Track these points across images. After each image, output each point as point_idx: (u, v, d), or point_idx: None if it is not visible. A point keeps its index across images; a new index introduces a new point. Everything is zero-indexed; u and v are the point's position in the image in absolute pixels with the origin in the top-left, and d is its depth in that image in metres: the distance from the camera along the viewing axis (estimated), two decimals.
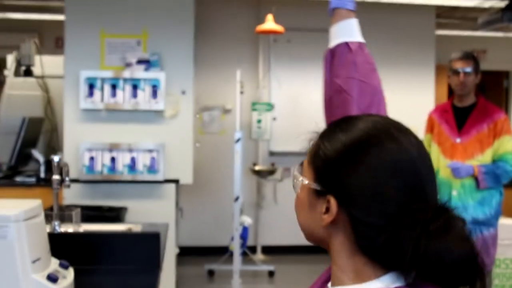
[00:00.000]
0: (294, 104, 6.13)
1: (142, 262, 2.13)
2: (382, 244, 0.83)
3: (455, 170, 3.17)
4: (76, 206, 4.01)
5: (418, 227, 0.80)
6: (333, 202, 0.87)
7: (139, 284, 1.99)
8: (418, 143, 0.89)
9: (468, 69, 3.27)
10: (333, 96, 1.25)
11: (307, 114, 6.11)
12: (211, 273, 5.52)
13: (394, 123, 0.92)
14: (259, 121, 5.82)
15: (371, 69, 1.22)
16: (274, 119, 6.03)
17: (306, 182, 0.93)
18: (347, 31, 1.25)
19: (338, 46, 1.24)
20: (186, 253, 5.86)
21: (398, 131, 0.89)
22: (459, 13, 6.49)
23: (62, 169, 2.38)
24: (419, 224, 0.80)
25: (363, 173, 0.85)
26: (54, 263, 1.86)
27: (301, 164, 0.99)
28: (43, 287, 1.70)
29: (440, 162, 3.31)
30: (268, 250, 6.09)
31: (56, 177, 2.34)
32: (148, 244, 2.14)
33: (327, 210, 0.88)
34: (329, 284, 0.95)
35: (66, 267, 1.87)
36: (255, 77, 6.17)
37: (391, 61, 6.08)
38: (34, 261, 1.72)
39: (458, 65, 3.29)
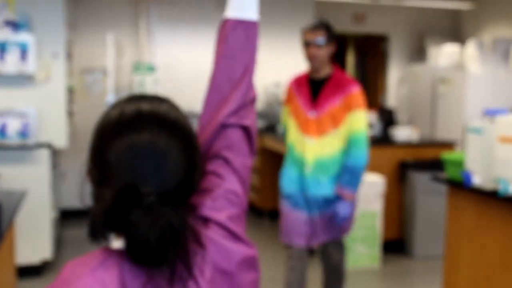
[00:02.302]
0: (178, 67, 6.17)
1: None
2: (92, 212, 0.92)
3: (338, 218, 3.12)
4: None
5: (106, 208, 0.88)
6: (87, 171, 1.01)
7: None
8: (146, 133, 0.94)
9: (319, 40, 3.09)
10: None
11: (191, 76, 6.19)
12: None
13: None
14: (141, 84, 5.82)
15: (245, 47, 1.18)
16: (157, 81, 6.04)
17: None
18: (236, 6, 1.19)
19: (222, 21, 1.23)
20: (71, 216, 5.84)
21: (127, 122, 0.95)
22: None
23: None
24: (107, 206, 0.88)
25: (95, 155, 0.98)
26: None
27: None
28: None
29: (297, 137, 3.18)
30: None
31: None
32: None
33: None
34: None
35: None
36: (136, 39, 6.12)
37: (270, 26, 6.25)
38: None
39: (309, 37, 3.11)
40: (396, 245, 5.00)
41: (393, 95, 7.70)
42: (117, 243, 0.95)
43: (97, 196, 0.95)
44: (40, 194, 4.27)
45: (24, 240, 4.05)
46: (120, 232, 0.91)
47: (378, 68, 8.02)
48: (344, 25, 7.50)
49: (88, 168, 0.99)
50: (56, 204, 4.93)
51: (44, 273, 4.47)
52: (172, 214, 0.88)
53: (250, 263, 1.02)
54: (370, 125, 5.20)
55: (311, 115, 3.14)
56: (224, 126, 1.10)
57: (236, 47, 1.16)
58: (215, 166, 1.07)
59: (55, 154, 4.87)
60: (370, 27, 7.60)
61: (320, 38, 3.10)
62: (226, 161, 1.08)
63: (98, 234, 0.89)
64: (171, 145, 0.93)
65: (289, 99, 3.31)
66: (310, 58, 3.12)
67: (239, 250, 1.00)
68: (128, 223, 0.87)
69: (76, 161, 5.85)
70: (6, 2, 4.18)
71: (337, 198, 3.13)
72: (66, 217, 5.71)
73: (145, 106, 0.96)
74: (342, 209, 3.11)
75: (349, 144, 3.09)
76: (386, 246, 4.84)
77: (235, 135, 1.10)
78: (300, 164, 3.17)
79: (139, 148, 0.92)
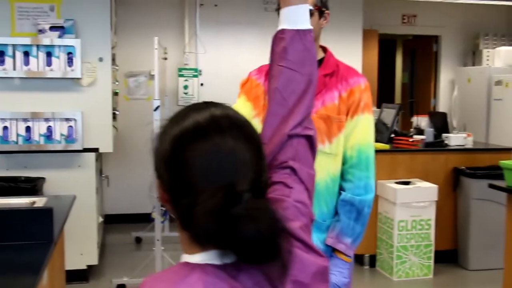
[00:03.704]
0: (222, 70, 6.09)
1: (35, 238, 2.10)
2: (188, 222, 0.92)
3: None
4: None
5: (208, 208, 0.87)
6: (158, 183, 0.99)
7: (28, 260, 1.97)
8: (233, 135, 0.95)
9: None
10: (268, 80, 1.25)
11: (235, 79, 6.10)
12: (138, 240, 5.53)
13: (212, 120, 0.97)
14: (185, 87, 5.77)
15: (306, 58, 1.19)
16: (202, 84, 5.99)
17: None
18: (291, 17, 1.21)
19: (276, 32, 1.23)
20: (114, 221, 5.84)
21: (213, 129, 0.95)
22: None
23: None
24: (209, 206, 0.87)
25: (173, 162, 0.94)
26: None
27: None
28: None
29: None
30: None
31: None
32: (40, 219, 2.11)
33: None
34: None
35: None
36: (181, 42, 6.08)
37: None
38: None
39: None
40: (449, 255, 4.79)
41: (444, 99, 7.44)
42: (197, 257, 0.93)
43: (176, 200, 0.95)
44: (86, 199, 4.26)
45: (71, 245, 4.03)
46: (212, 240, 0.89)
47: (428, 70, 7.76)
48: (394, 26, 7.31)
49: (158, 175, 0.98)
50: (101, 209, 4.92)
51: (90, 278, 4.46)
52: (271, 207, 0.89)
53: (323, 274, 1.02)
54: (423, 130, 5.00)
55: None
56: (290, 137, 1.11)
57: (297, 59, 1.17)
58: (282, 176, 1.08)
59: (99, 158, 4.86)
60: (421, 27, 7.37)
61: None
62: (293, 171, 1.08)
63: (205, 236, 0.89)
64: (248, 146, 0.95)
65: (250, 95, 2.13)
66: None
67: (314, 261, 1.00)
68: (234, 220, 0.86)
69: (119, 165, 5.85)
70: (53, 4, 4.18)
71: (328, 254, 1.98)
72: (107, 221, 5.71)
73: (217, 111, 0.97)
74: (335, 275, 1.96)
75: (351, 165, 2.01)
76: (439, 255, 4.63)
77: (301, 146, 1.12)
78: None
79: (224, 150, 0.93)
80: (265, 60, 5.66)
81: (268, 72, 1.23)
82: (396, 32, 7.71)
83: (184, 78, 5.77)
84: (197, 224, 0.88)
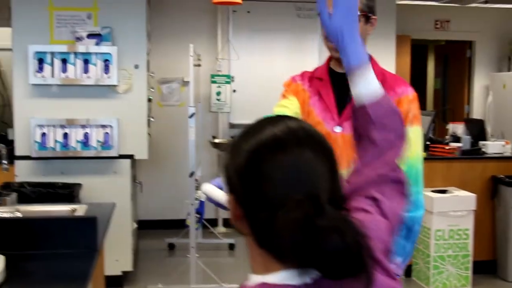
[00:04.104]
0: (254, 76, 6.08)
1: (79, 246, 2.11)
2: (268, 236, 0.89)
3: None
4: (28, 184, 3.97)
5: (292, 219, 0.85)
6: (231, 197, 0.96)
7: (74, 269, 1.97)
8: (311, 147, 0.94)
9: None
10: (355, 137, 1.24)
11: (267, 86, 6.09)
12: (171, 246, 5.54)
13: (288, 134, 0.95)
14: (218, 94, 5.78)
15: (394, 119, 1.18)
16: (234, 91, 5.99)
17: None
18: (364, 90, 1.20)
19: (357, 108, 1.21)
20: (147, 227, 5.85)
21: (289, 136, 0.94)
22: None
23: None
24: (294, 217, 0.85)
25: (250, 176, 0.92)
26: None
27: None
28: None
29: None
30: (229, 223, 6.10)
31: None
32: (85, 228, 2.12)
33: None
34: None
35: None
36: (214, 49, 6.09)
37: None
38: None
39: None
40: (488, 266, 4.69)
41: (478, 105, 7.31)
42: (274, 277, 0.90)
43: (252, 215, 0.92)
44: (122, 205, 4.26)
45: (106, 251, 4.04)
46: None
47: (462, 76, 7.64)
48: (426, 32, 7.22)
49: (231, 189, 0.96)
50: (135, 215, 4.95)
51: (125, 284, 4.47)
52: (354, 220, 0.87)
53: None
54: (459, 138, 4.91)
55: (336, 131, 1.96)
56: (380, 176, 1.10)
57: (387, 125, 1.17)
58: (363, 203, 1.05)
59: (133, 164, 4.89)
60: (454, 32, 7.26)
61: None
62: (375, 201, 1.06)
63: (289, 250, 0.85)
64: (325, 159, 0.94)
65: (298, 97, 2.05)
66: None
67: (389, 284, 0.97)
68: (319, 232, 0.83)
69: (151, 171, 5.86)
70: (91, 12, 4.22)
71: None
72: (140, 227, 5.72)
73: (292, 124, 0.96)
74: None
75: None
76: (477, 266, 4.52)
77: (389, 185, 1.10)
78: None
79: (304, 161, 0.91)
80: (297, 66, 5.67)
81: (356, 138, 1.22)
82: (429, 37, 7.62)
83: (217, 85, 5.77)
84: (279, 238, 0.86)
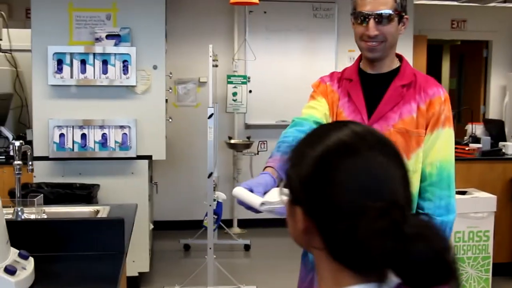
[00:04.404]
0: (270, 77, 6.07)
1: (106, 248, 2.10)
2: (348, 247, 0.85)
3: None
4: (46, 184, 3.98)
5: (380, 227, 0.81)
6: (298, 211, 0.91)
7: (102, 271, 1.96)
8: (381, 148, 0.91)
9: (384, 10, 1.85)
10: None
11: (283, 86, 6.07)
12: (186, 247, 5.53)
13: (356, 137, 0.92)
14: (234, 94, 5.76)
15: None
16: (250, 91, 5.97)
17: (287, 191, 0.95)
18: None
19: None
20: (162, 228, 5.85)
21: (356, 140, 0.91)
22: None
23: (22, 152, 2.31)
24: (381, 225, 0.81)
25: (320, 184, 0.88)
26: (14, 253, 1.82)
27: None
28: (0, 280, 1.67)
29: None
30: (244, 224, 6.10)
31: (17, 162, 2.28)
32: (112, 230, 2.11)
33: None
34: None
35: (26, 258, 1.83)
36: (230, 49, 6.08)
37: None
38: None
39: (367, 7, 1.86)
40: (509, 268, 4.64)
41: (494, 105, 7.25)
42: None
43: (326, 227, 0.87)
44: (139, 206, 4.24)
45: None
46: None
47: (478, 76, 7.58)
48: (443, 32, 7.17)
49: (298, 201, 0.91)
50: (151, 216, 4.94)
51: (141, 285, 4.47)
52: (434, 226, 0.83)
53: None
54: (479, 139, 4.87)
55: None
56: None
57: None
58: None
59: (150, 165, 4.88)
60: (470, 32, 7.20)
61: (385, 8, 1.85)
62: None
63: (376, 260, 0.81)
64: (396, 162, 0.90)
65: (327, 99, 2.02)
66: (367, 41, 1.89)
67: None
68: (406, 240, 0.79)
69: (166, 172, 5.85)
70: (110, 13, 4.22)
71: None
72: (155, 228, 5.72)
73: (358, 128, 0.92)
74: None
75: (431, 183, 1.88)
76: (497, 268, 4.47)
77: None
78: None
79: (377, 166, 0.87)
80: (313, 66, 5.63)
81: None
82: (445, 37, 7.57)
83: (233, 85, 5.76)
84: (363, 248, 0.81)
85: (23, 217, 2.29)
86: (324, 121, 1.96)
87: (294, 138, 1.78)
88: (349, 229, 0.83)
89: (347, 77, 2.01)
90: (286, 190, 0.95)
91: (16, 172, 2.28)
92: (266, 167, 1.74)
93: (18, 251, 1.84)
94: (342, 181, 0.86)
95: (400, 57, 2.02)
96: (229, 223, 6.02)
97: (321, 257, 0.90)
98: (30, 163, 2.38)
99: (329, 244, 0.88)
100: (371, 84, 1.97)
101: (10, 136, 4.50)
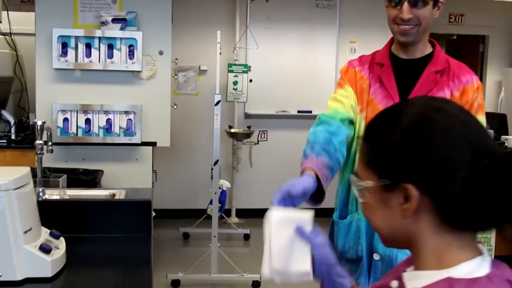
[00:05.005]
0: (271, 66, 6.04)
1: (133, 230, 2.07)
2: (468, 208, 0.85)
3: None
4: (49, 169, 3.91)
5: (494, 180, 0.82)
6: (411, 188, 0.88)
7: (133, 253, 1.93)
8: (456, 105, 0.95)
9: None
10: None
11: (283, 76, 6.05)
12: (186, 236, 5.50)
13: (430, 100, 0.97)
14: (235, 83, 5.73)
15: None
16: (251, 81, 5.94)
17: (372, 183, 0.94)
18: None
19: None
20: (161, 216, 5.80)
21: (439, 103, 0.95)
22: None
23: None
24: (495, 177, 0.82)
25: (428, 150, 0.87)
26: (45, 232, 1.79)
27: (355, 174, 1.00)
28: (36, 258, 1.63)
29: None
30: (242, 214, 6.08)
31: (39, 141, 2.23)
32: (139, 211, 2.08)
33: (406, 199, 0.89)
34: (408, 271, 0.96)
35: (57, 237, 1.79)
36: (231, 38, 6.03)
37: (367, 24, 6.02)
38: (25, 232, 1.64)
39: None
40: (510, 261, 4.67)
41: (489, 100, 7.30)
42: (457, 270, 0.86)
43: (439, 193, 0.87)
44: None
45: None
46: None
47: (473, 71, 7.59)
48: (440, 26, 7.18)
49: (401, 177, 0.89)
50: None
51: None
52: None
53: None
54: None
55: None
56: None
57: None
58: None
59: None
60: (468, 27, 7.23)
61: None
62: None
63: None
64: (475, 118, 0.94)
65: (355, 87, 1.98)
66: (400, 24, 1.86)
67: None
68: None
69: (165, 160, 5.80)
70: None
71: None
72: (154, 216, 5.69)
73: (434, 102, 0.95)
74: None
75: None
76: None
77: None
78: None
79: (467, 121, 0.90)
80: (314, 57, 5.60)
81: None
82: (443, 31, 7.59)
83: (234, 74, 5.72)
84: (487, 202, 0.83)
85: (44, 198, 2.25)
86: (351, 115, 1.92)
87: (325, 139, 1.75)
88: (467, 186, 0.84)
89: (379, 62, 1.98)
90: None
91: (38, 152, 2.24)
92: (304, 168, 1.63)
93: (48, 230, 1.81)
94: (443, 140, 0.86)
95: (432, 43, 1.99)
96: (227, 212, 5.99)
97: (426, 237, 0.90)
98: (50, 143, 2.33)
99: (445, 211, 0.88)
100: (403, 69, 1.94)
101: (12, 120, 4.42)
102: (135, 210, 2.08)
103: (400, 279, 0.95)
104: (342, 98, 1.95)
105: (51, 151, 2.36)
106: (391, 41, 2.01)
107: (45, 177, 3.41)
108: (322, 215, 1.77)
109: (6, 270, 1.59)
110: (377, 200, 0.94)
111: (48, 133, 2.34)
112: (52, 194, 2.29)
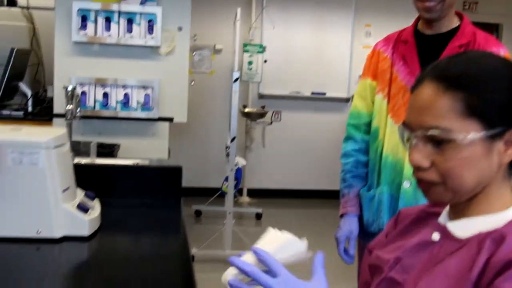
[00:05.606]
0: (286, 47, 6.03)
1: (164, 196, 2.08)
2: None
3: None
4: None
5: None
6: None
7: (165, 218, 1.95)
8: None
9: None
10: None
11: (298, 58, 6.04)
12: (198, 213, 5.53)
13: None
14: (250, 63, 5.72)
15: None
16: (265, 61, 5.93)
17: (474, 136, 0.87)
18: None
19: None
20: None
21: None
22: None
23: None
24: None
25: None
26: (80, 193, 1.80)
27: (441, 129, 0.89)
28: (74, 217, 1.64)
29: (388, 130, 1.93)
30: (254, 193, 6.10)
31: (70, 107, 2.24)
32: (170, 178, 2.10)
33: (507, 145, 0.90)
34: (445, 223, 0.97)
35: (92, 198, 1.81)
36: (247, 18, 6.01)
37: (383, 8, 5.99)
38: (64, 190, 1.66)
39: None
40: None
41: None
42: None
43: None
44: None
45: None
46: None
47: None
48: None
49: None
50: None
51: None
52: None
53: None
54: None
55: None
56: None
57: None
58: None
59: None
60: (481, 15, 7.19)
61: None
62: None
63: None
64: None
65: (374, 69, 2.04)
66: (424, 1, 1.84)
67: None
68: None
69: (178, 138, 5.80)
70: None
71: None
72: None
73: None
74: None
75: None
76: None
77: None
78: (393, 178, 1.91)
79: None
80: (329, 38, 5.58)
81: None
82: None
83: (249, 54, 5.71)
84: None
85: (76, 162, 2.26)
86: (373, 110, 2.03)
87: (353, 164, 2.03)
88: None
89: (403, 39, 1.98)
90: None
91: (68, 117, 2.24)
92: (345, 211, 2.02)
93: (84, 191, 1.82)
94: None
95: (460, 15, 1.97)
96: (239, 191, 6.01)
97: (496, 182, 0.92)
98: (78, 109, 2.34)
99: None
100: (427, 45, 1.93)
101: (29, 92, 4.43)
102: (166, 176, 2.10)
103: (443, 230, 0.95)
104: (365, 95, 2.07)
105: (80, 117, 2.36)
106: (418, 18, 2.00)
107: None
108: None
109: (45, 227, 1.61)
110: (478, 153, 0.88)
111: (77, 99, 2.34)
112: (81, 161, 2.30)
